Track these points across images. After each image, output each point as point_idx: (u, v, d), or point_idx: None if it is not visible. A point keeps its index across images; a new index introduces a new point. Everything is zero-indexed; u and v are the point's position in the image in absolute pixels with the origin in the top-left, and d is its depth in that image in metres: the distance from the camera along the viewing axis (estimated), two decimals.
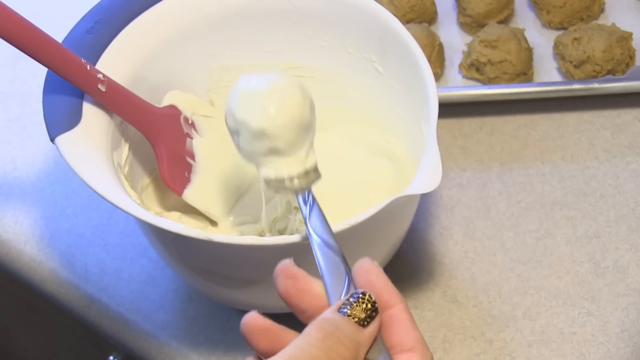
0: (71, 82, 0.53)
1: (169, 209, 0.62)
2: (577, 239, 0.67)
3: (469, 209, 0.69)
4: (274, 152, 0.49)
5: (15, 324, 0.94)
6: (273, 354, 0.38)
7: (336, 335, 0.38)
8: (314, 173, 0.50)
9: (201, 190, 0.60)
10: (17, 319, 0.93)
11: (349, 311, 0.39)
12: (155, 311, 0.64)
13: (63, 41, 0.57)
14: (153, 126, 0.58)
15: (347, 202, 0.62)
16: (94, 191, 0.50)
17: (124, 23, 0.59)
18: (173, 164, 0.59)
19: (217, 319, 0.64)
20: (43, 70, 0.54)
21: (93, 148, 0.53)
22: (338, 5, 0.62)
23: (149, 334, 0.64)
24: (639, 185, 0.70)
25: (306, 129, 0.50)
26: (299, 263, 0.42)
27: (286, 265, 0.41)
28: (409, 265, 0.66)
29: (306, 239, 0.47)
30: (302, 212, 0.46)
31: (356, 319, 0.39)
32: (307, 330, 0.38)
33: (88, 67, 0.53)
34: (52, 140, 0.52)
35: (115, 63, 0.58)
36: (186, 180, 0.60)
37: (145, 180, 0.62)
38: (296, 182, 0.49)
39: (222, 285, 0.58)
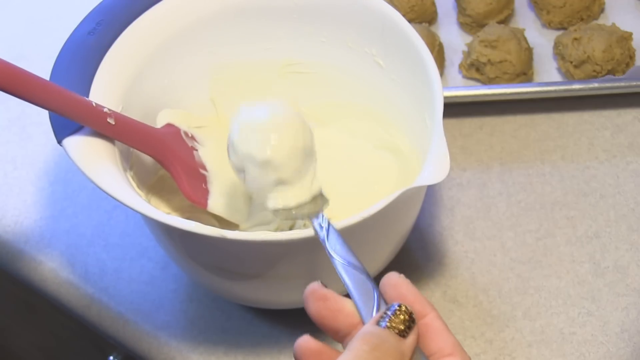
0: (82, 123, 0.52)
1: (175, 209, 0.62)
2: (577, 239, 0.67)
3: (469, 209, 0.69)
4: (281, 183, 0.50)
5: (15, 324, 0.94)
6: None
7: (382, 347, 0.39)
8: (321, 199, 0.51)
9: (221, 198, 0.61)
10: (17, 319, 0.93)
11: (388, 324, 0.40)
12: (155, 311, 0.64)
13: (65, 43, 0.57)
14: (163, 148, 0.58)
15: (351, 197, 0.62)
16: (107, 194, 0.50)
17: (126, 24, 0.59)
18: (191, 180, 0.59)
19: (217, 319, 0.64)
20: (44, 70, 0.54)
21: (100, 150, 0.53)
22: (338, 0, 0.62)
23: (149, 334, 0.63)
24: (639, 185, 0.70)
25: (309, 155, 0.51)
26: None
27: (315, 287, 0.42)
28: (409, 265, 0.66)
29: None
30: (319, 236, 0.47)
31: (396, 331, 0.40)
32: (352, 345, 0.39)
33: (94, 104, 0.52)
34: (59, 142, 0.52)
35: (118, 64, 0.58)
36: (206, 192, 0.60)
37: (151, 181, 0.62)
38: (305, 209, 0.50)
39: (233, 282, 0.58)
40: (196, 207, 0.60)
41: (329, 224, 0.47)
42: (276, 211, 0.51)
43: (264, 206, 0.51)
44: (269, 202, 0.51)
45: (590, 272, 0.65)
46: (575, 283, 0.65)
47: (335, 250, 0.45)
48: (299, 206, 0.50)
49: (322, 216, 0.49)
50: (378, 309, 0.41)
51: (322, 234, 0.47)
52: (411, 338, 0.40)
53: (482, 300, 0.64)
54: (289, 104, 0.52)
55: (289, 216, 0.50)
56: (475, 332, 0.62)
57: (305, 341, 0.41)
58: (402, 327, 0.40)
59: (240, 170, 0.51)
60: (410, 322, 0.40)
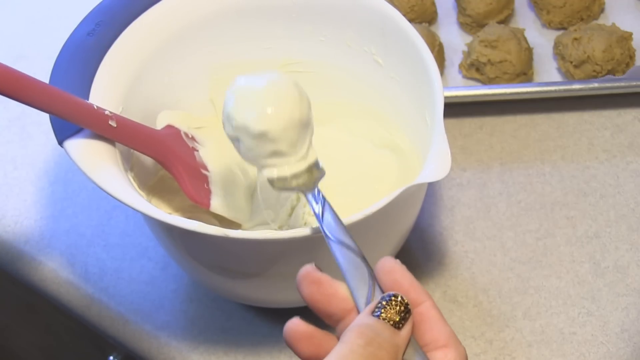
0: (83, 126, 0.52)
1: (176, 209, 0.62)
2: (577, 239, 0.67)
3: (469, 209, 0.69)
4: (276, 153, 0.49)
5: (15, 324, 0.94)
6: (317, 359, 0.39)
7: (377, 341, 0.38)
8: (316, 170, 0.50)
9: (223, 197, 0.61)
10: (17, 319, 0.93)
11: (383, 314, 0.39)
12: (155, 311, 0.64)
13: (64, 44, 0.57)
14: (165, 150, 0.58)
15: (352, 195, 0.62)
16: (110, 195, 0.50)
17: (125, 24, 0.59)
18: (193, 180, 0.59)
19: (217, 319, 0.64)
20: (44, 70, 0.54)
21: (101, 151, 0.53)
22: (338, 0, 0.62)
23: (149, 334, 0.64)
24: (639, 185, 0.70)
25: (305, 126, 0.50)
26: (319, 266, 0.42)
27: (309, 271, 0.41)
28: (408, 265, 0.65)
29: (320, 231, 0.46)
30: (313, 211, 0.46)
31: (391, 322, 0.39)
32: (347, 337, 0.38)
33: (95, 107, 0.52)
34: (60, 143, 0.52)
35: (118, 65, 0.58)
36: (208, 192, 0.60)
37: (152, 182, 0.62)
38: (300, 180, 0.49)
39: (234, 281, 0.58)
40: (197, 207, 0.60)
41: (324, 200, 0.46)
42: (272, 181, 0.49)
43: (260, 175, 0.49)
44: (264, 172, 0.50)
45: (590, 272, 0.65)
46: (575, 283, 0.65)
47: (330, 228, 0.44)
48: (295, 176, 0.49)
49: (318, 191, 0.47)
50: (372, 295, 0.40)
51: (317, 209, 0.45)
52: (406, 329, 0.39)
53: (482, 300, 0.64)
54: (287, 74, 0.51)
55: (285, 186, 0.49)
56: (475, 332, 0.62)
57: (295, 324, 0.40)
58: (397, 318, 0.39)
59: (235, 140, 0.50)
60: (406, 312, 0.39)
